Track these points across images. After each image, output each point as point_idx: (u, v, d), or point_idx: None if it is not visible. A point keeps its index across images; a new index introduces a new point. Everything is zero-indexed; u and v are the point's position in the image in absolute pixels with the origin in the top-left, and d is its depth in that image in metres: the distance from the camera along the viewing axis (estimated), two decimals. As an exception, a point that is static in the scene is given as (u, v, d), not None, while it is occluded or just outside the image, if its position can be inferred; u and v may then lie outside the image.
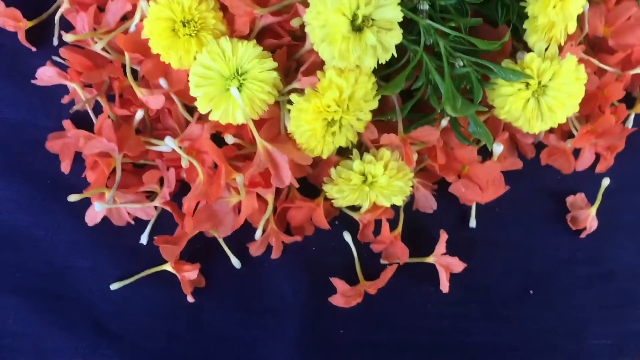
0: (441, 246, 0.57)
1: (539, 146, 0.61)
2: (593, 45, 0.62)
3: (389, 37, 0.49)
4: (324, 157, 0.53)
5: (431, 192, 0.59)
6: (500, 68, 0.52)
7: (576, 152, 0.60)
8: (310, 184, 0.56)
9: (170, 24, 0.51)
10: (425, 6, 0.53)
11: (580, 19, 0.58)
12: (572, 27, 0.54)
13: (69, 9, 0.55)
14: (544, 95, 0.52)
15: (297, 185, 0.53)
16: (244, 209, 0.52)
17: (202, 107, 0.50)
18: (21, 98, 0.57)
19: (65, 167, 0.55)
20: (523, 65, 0.52)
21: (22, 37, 0.56)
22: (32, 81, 0.55)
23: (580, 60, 0.58)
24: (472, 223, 0.60)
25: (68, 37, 0.52)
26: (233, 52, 0.50)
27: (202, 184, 0.49)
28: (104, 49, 0.53)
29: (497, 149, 0.57)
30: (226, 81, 0.49)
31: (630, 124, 0.62)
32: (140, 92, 0.52)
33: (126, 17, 0.55)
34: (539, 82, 0.51)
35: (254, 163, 0.50)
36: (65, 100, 0.55)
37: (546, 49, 0.53)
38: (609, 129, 0.58)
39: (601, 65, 0.59)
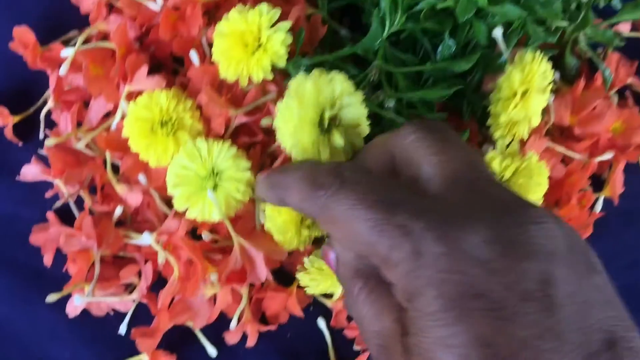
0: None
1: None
2: (561, 132, 0.64)
3: (355, 134, 0.51)
4: (301, 249, 0.54)
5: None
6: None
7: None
8: (284, 271, 0.58)
9: (148, 124, 0.53)
10: (391, 103, 0.55)
11: (546, 109, 0.60)
12: (536, 121, 0.56)
13: (54, 106, 0.57)
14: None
15: (271, 279, 0.55)
16: (218, 302, 0.53)
17: (179, 205, 0.52)
18: (6, 191, 0.59)
19: (48, 260, 0.57)
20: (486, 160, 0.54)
21: (8, 133, 0.59)
22: (17, 178, 0.57)
23: (546, 150, 0.60)
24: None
25: (50, 141, 0.54)
26: (209, 153, 0.52)
27: (177, 281, 0.51)
28: (86, 146, 0.56)
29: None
30: (202, 180, 0.52)
31: (598, 207, 0.64)
32: (120, 189, 0.54)
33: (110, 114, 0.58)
34: (501, 178, 0.54)
35: (230, 260, 0.51)
36: (49, 194, 0.57)
37: (508, 145, 0.55)
38: (575, 216, 0.60)
39: (568, 152, 0.61)
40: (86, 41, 0.57)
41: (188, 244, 0.52)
